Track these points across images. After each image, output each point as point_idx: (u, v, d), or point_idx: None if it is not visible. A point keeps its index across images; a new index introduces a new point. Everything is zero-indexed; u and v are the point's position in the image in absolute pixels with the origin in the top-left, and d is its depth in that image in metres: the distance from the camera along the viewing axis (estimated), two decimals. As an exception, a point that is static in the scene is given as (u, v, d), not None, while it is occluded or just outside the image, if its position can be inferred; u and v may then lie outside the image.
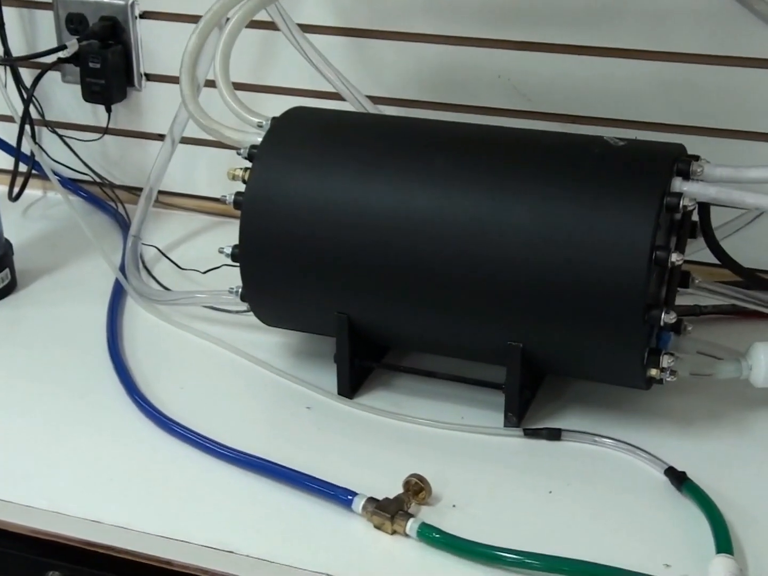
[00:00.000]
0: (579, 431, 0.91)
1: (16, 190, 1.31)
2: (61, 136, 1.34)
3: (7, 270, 1.14)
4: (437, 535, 0.79)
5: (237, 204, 0.95)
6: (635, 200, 0.84)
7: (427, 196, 0.90)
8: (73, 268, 1.21)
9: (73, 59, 1.26)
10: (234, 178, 0.96)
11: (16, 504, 0.85)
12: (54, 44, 1.28)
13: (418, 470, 0.84)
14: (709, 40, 1.07)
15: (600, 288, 0.84)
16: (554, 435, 0.91)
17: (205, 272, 1.16)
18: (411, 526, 0.80)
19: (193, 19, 1.12)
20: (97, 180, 1.34)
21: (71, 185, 1.35)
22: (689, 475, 0.85)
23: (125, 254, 1.19)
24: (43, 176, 1.30)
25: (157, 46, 1.27)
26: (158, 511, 0.84)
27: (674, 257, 0.84)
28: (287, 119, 0.98)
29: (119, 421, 0.95)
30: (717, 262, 0.96)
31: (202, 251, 1.23)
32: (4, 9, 1.28)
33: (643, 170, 0.86)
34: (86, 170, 1.34)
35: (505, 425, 0.93)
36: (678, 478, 0.85)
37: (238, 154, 0.97)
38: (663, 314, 0.85)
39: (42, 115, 1.34)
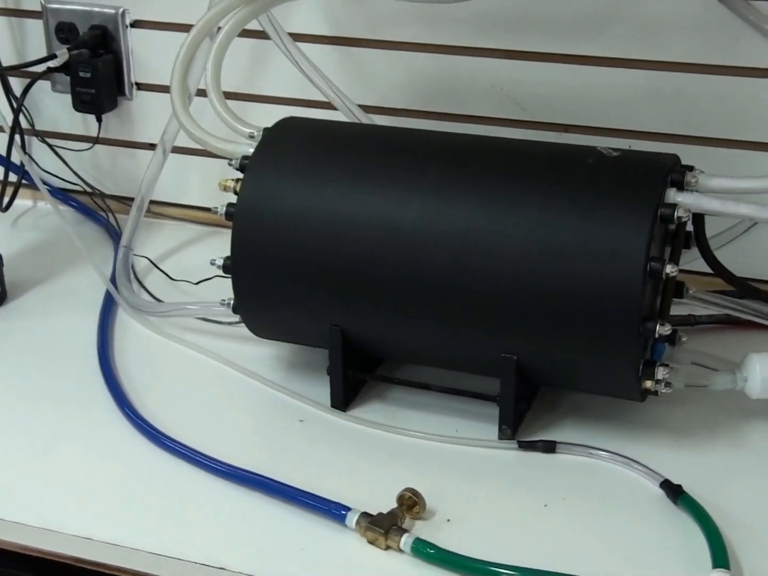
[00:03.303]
0: (574, 444, 0.91)
1: (5, 200, 1.30)
2: (51, 146, 1.33)
3: (-4, 281, 1.14)
4: (432, 551, 0.78)
5: (229, 215, 0.94)
6: (629, 211, 0.83)
7: (420, 207, 0.89)
8: (64, 279, 1.20)
9: (63, 68, 1.25)
10: (225, 189, 0.96)
11: (5, 521, 0.84)
12: (44, 53, 1.27)
13: (412, 484, 0.84)
14: (702, 49, 1.07)
15: (594, 300, 0.84)
16: (549, 447, 0.91)
17: (197, 283, 1.16)
18: (405, 541, 0.79)
19: (184, 27, 1.12)
20: (88, 190, 1.34)
21: (61, 195, 1.34)
22: (685, 488, 0.84)
23: (116, 265, 1.18)
24: (33, 186, 1.29)
25: (147, 55, 1.27)
26: (149, 528, 0.83)
27: (669, 268, 0.83)
28: (279, 130, 0.97)
29: (110, 435, 0.94)
30: (710, 271, 0.96)
31: (194, 262, 1.22)
32: (-6, 18, 1.28)
33: (638, 181, 0.86)
34: (77, 180, 1.33)
35: (500, 438, 0.92)
36: (674, 491, 0.84)
37: (230, 165, 0.96)
38: (658, 326, 0.85)
39: (32, 124, 1.33)
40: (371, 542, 0.81)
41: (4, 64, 1.28)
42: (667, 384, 0.88)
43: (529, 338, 0.87)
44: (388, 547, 0.80)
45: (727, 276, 0.96)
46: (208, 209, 0.99)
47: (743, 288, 0.99)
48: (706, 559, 0.78)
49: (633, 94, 1.11)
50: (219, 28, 1.04)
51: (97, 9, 1.26)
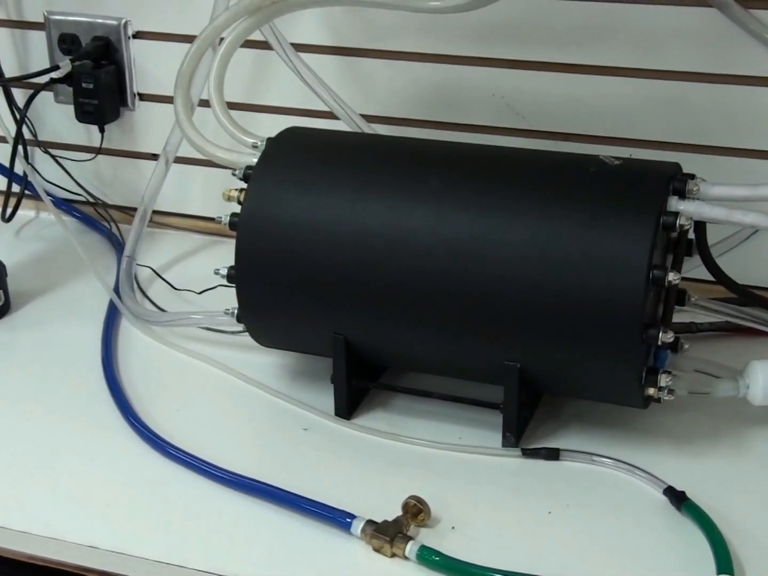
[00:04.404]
0: (577, 451, 0.91)
1: (9, 210, 1.31)
2: (54, 157, 1.33)
3: (0, 292, 1.14)
4: (437, 558, 0.79)
5: (232, 225, 0.94)
6: (632, 220, 0.84)
7: (423, 216, 0.90)
8: (67, 289, 1.20)
9: (65, 79, 1.25)
10: (229, 199, 0.96)
11: (11, 530, 0.84)
12: (46, 65, 1.28)
13: (417, 492, 0.84)
14: (702, 58, 1.07)
15: (597, 308, 0.84)
16: (553, 455, 0.91)
17: (200, 292, 1.16)
18: (410, 548, 0.79)
19: (186, 38, 1.12)
20: (91, 200, 1.34)
21: (64, 205, 1.35)
22: (688, 494, 0.85)
23: (119, 275, 1.18)
24: (36, 197, 1.30)
25: (150, 66, 1.27)
26: (155, 536, 0.83)
27: (671, 276, 0.84)
28: (282, 140, 0.98)
29: (115, 444, 0.94)
30: (712, 278, 0.96)
31: (197, 271, 1.22)
32: (-4, 30, 1.28)
33: (640, 189, 0.86)
34: (79, 190, 1.34)
35: (504, 445, 0.93)
36: (677, 498, 0.85)
37: (234, 174, 0.97)
38: (660, 333, 0.85)
39: (35, 135, 1.33)
40: (377, 550, 0.81)
41: (7, 75, 1.29)
42: (670, 391, 0.89)
43: (532, 346, 0.88)
44: (393, 555, 0.80)
45: (728, 283, 0.96)
46: (210, 219, 0.99)
47: (744, 295, 1.00)
48: (710, 566, 0.78)
49: (633, 103, 1.11)
50: (222, 39, 1.05)
51: (99, 20, 1.26)
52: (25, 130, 1.29)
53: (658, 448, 0.92)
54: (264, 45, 1.15)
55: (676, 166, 0.90)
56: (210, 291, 1.13)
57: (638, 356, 0.85)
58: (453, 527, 0.84)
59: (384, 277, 0.90)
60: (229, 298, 0.98)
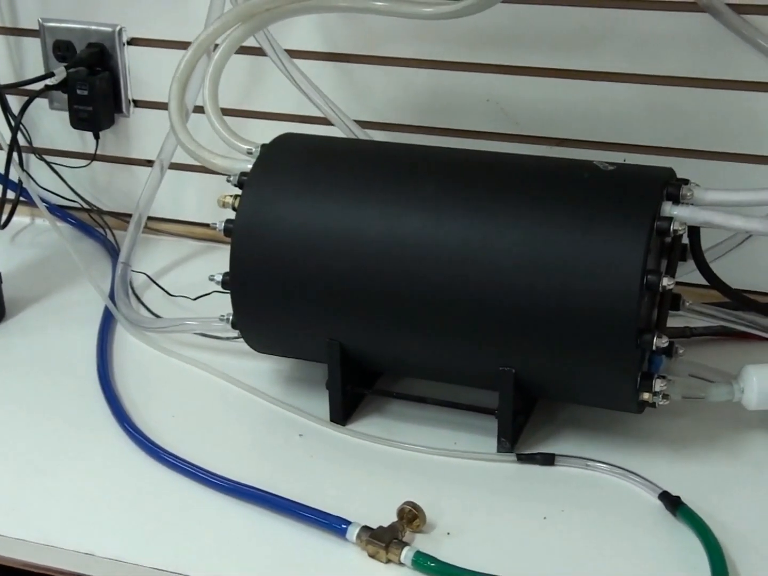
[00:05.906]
0: (572, 456, 0.91)
1: (3, 217, 1.31)
2: (48, 163, 1.33)
3: (-5, 298, 1.14)
4: (432, 564, 0.79)
5: (227, 231, 0.95)
6: (626, 225, 0.84)
7: (418, 221, 0.90)
8: (62, 296, 1.20)
9: (60, 86, 1.26)
10: (224, 205, 0.96)
11: (7, 537, 0.84)
12: (41, 71, 1.28)
13: (412, 497, 0.84)
14: (696, 63, 1.08)
15: (592, 313, 0.84)
16: (548, 460, 0.91)
17: (195, 299, 1.16)
18: (406, 554, 0.79)
19: (181, 45, 1.12)
20: (86, 206, 1.34)
21: (59, 212, 1.35)
22: (684, 499, 0.85)
23: (114, 281, 1.18)
24: (31, 203, 1.29)
25: (144, 72, 1.27)
26: (150, 543, 0.83)
27: (665, 281, 0.84)
28: (277, 146, 0.98)
29: (110, 450, 0.94)
30: (706, 283, 0.96)
31: (192, 277, 1.22)
32: (-9, 37, 1.28)
33: (634, 195, 0.86)
34: (74, 197, 1.34)
35: (499, 450, 0.93)
36: (672, 503, 0.85)
37: (228, 181, 0.97)
38: (655, 338, 0.85)
39: (30, 142, 1.33)
40: (372, 556, 0.81)
41: (2, 82, 1.29)
42: (665, 396, 0.89)
43: (527, 351, 0.88)
44: (388, 561, 0.80)
45: (722, 288, 0.96)
46: (205, 225, 0.99)
47: (738, 300, 1.00)
48: (706, 571, 0.78)
49: (627, 108, 1.11)
50: (216, 45, 1.05)
51: (94, 27, 1.26)
52: (20, 136, 1.29)
53: (653, 453, 0.92)
54: (258, 51, 1.15)
55: (670, 172, 0.90)
56: (205, 297, 1.13)
57: (633, 361, 0.85)
58: (448, 533, 0.84)
59: (379, 283, 0.90)
60: (224, 304, 0.98)
